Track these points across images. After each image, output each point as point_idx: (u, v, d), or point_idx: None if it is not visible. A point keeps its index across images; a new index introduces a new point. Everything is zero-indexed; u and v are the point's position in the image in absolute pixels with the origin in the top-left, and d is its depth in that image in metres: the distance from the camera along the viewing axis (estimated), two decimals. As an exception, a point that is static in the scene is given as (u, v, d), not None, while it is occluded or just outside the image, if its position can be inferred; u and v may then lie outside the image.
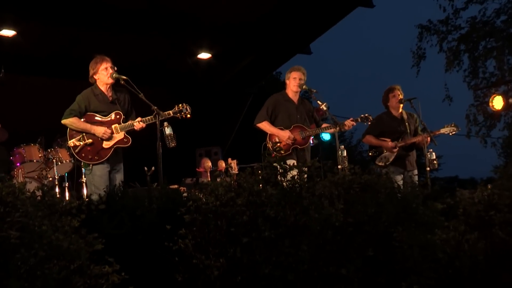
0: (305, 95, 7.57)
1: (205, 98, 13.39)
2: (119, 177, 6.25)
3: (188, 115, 6.33)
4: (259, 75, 14.42)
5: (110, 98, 6.32)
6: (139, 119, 6.21)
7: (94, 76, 6.30)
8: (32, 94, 12.01)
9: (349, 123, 7.03)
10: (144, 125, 6.20)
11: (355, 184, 4.07)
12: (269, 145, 6.88)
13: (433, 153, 7.58)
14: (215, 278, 3.70)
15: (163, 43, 12.30)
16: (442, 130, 7.60)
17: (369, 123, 7.30)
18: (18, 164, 7.75)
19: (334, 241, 3.81)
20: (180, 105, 6.32)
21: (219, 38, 12.40)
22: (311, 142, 7.30)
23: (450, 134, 7.62)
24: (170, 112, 6.25)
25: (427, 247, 3.84)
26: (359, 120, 7.17)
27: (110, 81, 6.26)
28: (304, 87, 7.00)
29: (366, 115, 7.24)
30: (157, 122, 6.10)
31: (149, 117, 6.17)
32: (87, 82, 6.36)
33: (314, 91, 6.95)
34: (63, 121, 6.20)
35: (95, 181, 6.14)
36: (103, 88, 6.31)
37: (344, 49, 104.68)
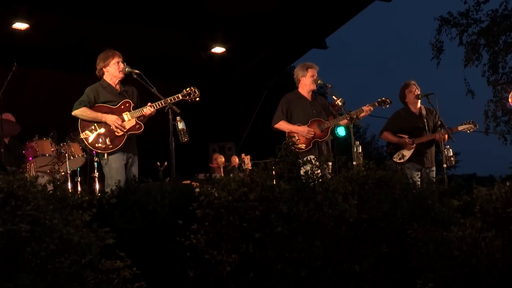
0: (320, 90, 7.50)
1: (219, 93, 13.36)
2: (134, 171, 6.23)
3: (197, 98, 6.30)
4: (274, 70, 14.36)
5: (118, 90, 6.33)
6: (148, 104, 6.19)
7: (104, 69, 6.30)
8: (45, 88, 12.04)
9: (366, 108, 6.91)
10: (153, 110, 6.17)
11: (370, 179, 4.03)
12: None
13: (450, 150, 7.50)
14: (227, 274, 3.67)
15: (176, 36, 12.28)
16: (460, 128, 7.50)
17: (387, 106, 7.16)
18: (30, 158, 7.75)
19: (348, 237, 3.77)
20: (188, 88, 6.29)
21: (233, 32, 12.35)
22: None
23: (468, 131, 7.53)
24: (179, 95, 6.22)
25: (443, 245, 3.78)
26: (377, 104, 7.05)
27: (121, 75, 6.26)
28: (319, 82, 6.94)
29: (383, 98, 7.10)
30: (169, 116, 6.06)
31: (158, 102, 6.14)
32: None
33: (330, 86, 6.87)
34: (73, 112, 6.20)
35: (112, 174, 6.13)
36: (111, 82, 6.31)
37: (361, 43, 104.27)
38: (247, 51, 13.06)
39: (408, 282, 3.76)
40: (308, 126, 6.87)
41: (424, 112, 7.60)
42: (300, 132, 6.81)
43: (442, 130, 7.38)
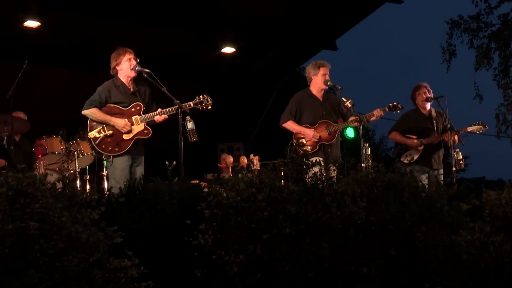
0: (330, 91, 7.46)
1: (228, 93, 13.36)
2: (139, 171, 6.23)
3: (209, 106, 6.25)
4: (283, 70, 14.35)
5: (131, 90, 6.31)
6: (159, 110, 6.18)
7: (117, 67, 6.29)
8: (55, 86, 12.08)
9: (377, 112, 6.87)
10: (165, 116, 6.17)
11: (379, 182, 4.02)
12: (295, 143, 6.80)
13: (460, 153, 7.46)
14: (235, 274, 3.66)
15: (187, 36, 12.30)
16: (469, 128, 7.47)
17: (398, 111, 7.14)
18: (40, 155, 7.79)
19: (356, 239, 3.76)
20: (201, 96, 6.24)
21: (243, 32, 12.36)
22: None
23: (477, 132, 7.49)
24: (191, 103, 6.18)
25: (451, 248, 3.77)
26: (387, 109, 7.00)
27: (133, 74, 6.24)
28: (329, 83, 6.91)
29: (395, 103, 7.05)
30: (178, 115, 6.06)
31: (169, 108, 6.13)
32: (110, 74, 6.36)
33: (339, 87, 6.84)
34: (83, 112, 6.20)
35: (116, 174, 6.13)
36: (124, 80, 6.29)
37: (372, 45, 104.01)
38: (257, 52, 13.07)
39: (416, 285, 3.75)
40: (316, 128, 6.83)
41: (434, 114, 7.57)
42: (306, 135, 6.79)
43: (452, 132, 7.34)
